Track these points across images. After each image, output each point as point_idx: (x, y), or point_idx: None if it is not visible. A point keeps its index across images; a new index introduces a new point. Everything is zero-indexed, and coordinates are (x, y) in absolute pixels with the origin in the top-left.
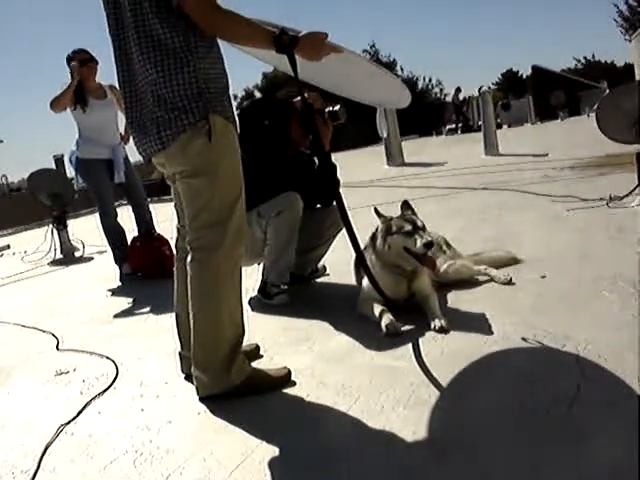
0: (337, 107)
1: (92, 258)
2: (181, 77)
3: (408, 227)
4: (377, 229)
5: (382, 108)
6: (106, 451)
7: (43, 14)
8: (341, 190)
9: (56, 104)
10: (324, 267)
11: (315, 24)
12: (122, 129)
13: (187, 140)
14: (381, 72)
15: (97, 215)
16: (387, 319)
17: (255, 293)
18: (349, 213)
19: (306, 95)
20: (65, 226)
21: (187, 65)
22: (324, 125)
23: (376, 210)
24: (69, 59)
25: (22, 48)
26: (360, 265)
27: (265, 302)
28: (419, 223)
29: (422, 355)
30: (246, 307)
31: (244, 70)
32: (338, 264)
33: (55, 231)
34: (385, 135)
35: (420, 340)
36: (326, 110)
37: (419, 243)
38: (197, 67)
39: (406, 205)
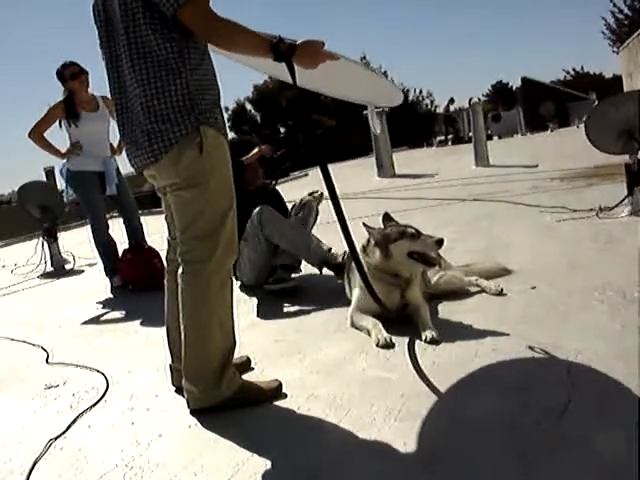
0: (284, 151)
1: (83, 271)
2: (173, 88)
3: (411, 230)
4: (368, 241)
5: (373, 106)
6: (96, 465)
7: (38, 23)
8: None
9: (35, 135)
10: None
11: (305, 34)
12: (114, 140)
13: (178, 152)
14: (375, 76)
15: (88, 227)
16: (378, 330)
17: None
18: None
19: (257, 149)
20: (55, 238)
21: (179, 76)
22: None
23: (365, 225)
24: (59, 73)
25: (14, 55)
26: (357, 269)
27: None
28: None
29: (413, 366)
30: (237, 319)
31: (235, 82)
32: (329, 276)
33: (45, 244)
34: (378, 131)
35: (411, 351)
36: (275, 154)
37: (430, 241)
38: (189, 78)
39: (388, 217)
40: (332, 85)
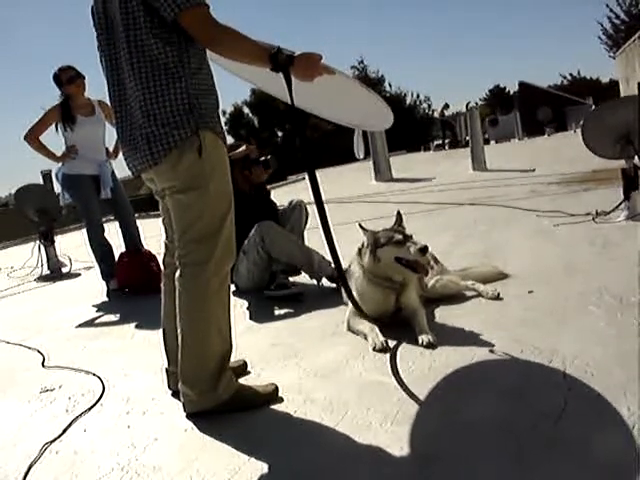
0: (269, 157)
1: (79, 274)
2: (173, 92)
3: (398, 237)
4: (363, 244)
5: (360, 130)
6: (91, 469)
7: (39, 25)
8: (327, 206)
9: (30, 138)
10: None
11: (302, 39)
12: (109, 144)
13: (178, 156)
14: (370, 95)
15: (84, 231)
16: (375, 334)
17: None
18: (333, 229)
19: (245, 147)
20: (52, 242)
21: (179, 80)
22: (260, 170)
23: (361, 226)
24: (56, 77)
25: (14, 57)
26: (343, 286)
27: (281, 293)
28: (407, 232)
29: (410, 370)
30: (233, 323)
31: (233, 85)
32: (326, 280)
33: (42, 247)
34: (361, 156)
35: (408, 355)
36: (260, 159)
37: (413, 249)
38: (189, 82)
39: (399, 217)
40: (325, 102)
